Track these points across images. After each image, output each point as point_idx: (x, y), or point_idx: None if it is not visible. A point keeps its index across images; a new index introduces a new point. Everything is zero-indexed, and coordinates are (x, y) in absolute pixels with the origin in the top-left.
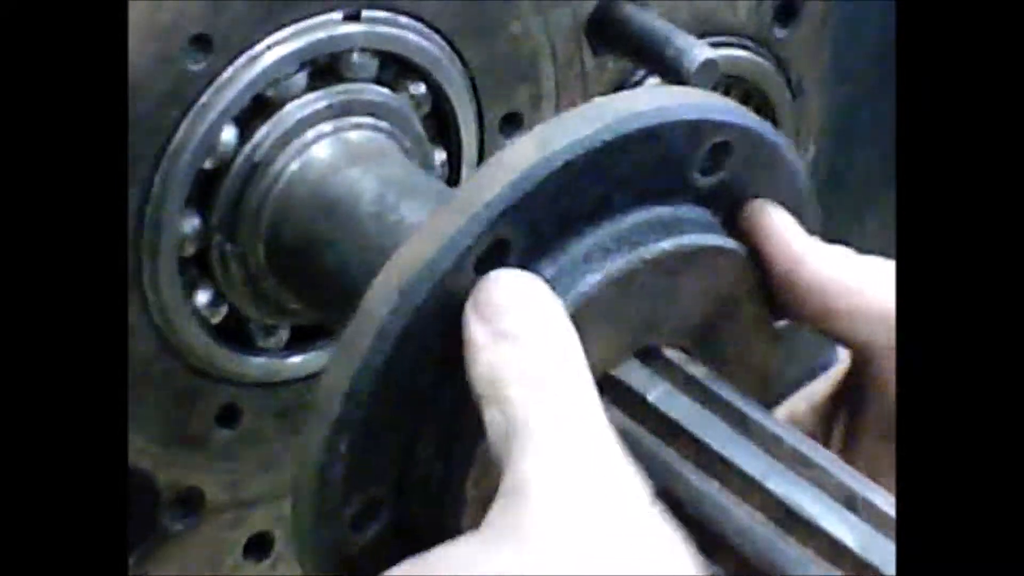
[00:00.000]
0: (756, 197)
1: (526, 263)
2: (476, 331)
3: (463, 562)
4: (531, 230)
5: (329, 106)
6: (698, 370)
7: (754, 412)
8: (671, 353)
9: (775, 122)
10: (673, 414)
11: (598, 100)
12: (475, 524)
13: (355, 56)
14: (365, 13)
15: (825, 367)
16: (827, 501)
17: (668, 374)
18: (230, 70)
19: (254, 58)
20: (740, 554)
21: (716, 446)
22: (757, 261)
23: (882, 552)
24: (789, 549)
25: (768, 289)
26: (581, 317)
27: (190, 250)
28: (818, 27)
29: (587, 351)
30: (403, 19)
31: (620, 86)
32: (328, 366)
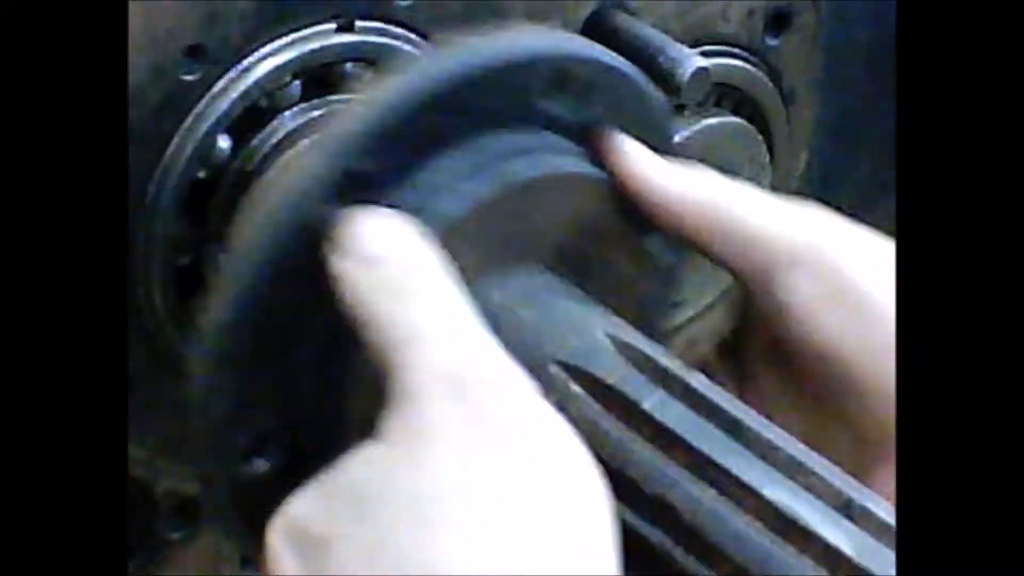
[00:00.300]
0: (610, 127)
1: (387, 193)
2: (341, 263)
3: (361, 475)
4: (389, 162)
5: (323, 116)
6: (694, 378)
7: (750, 420)
8: (667, 361)
9: (767, 130)
10: (669, 422)
11: (455, 40)
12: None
13: (348, 66)
14: (359, 24)
15: None
16: (823, 508)
17: (663, 382)
18: (224, 80)
19: (248, 68)
20: (737, 562)
21: (712, 454)
22: (615, 187)
23: (878, 558)
24: (786, 556)
25: (628, 213)
26: (444, 241)
27: (184, 259)
28: (810, 36)
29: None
30: (396, 30)
31: None
32: (208, 304)
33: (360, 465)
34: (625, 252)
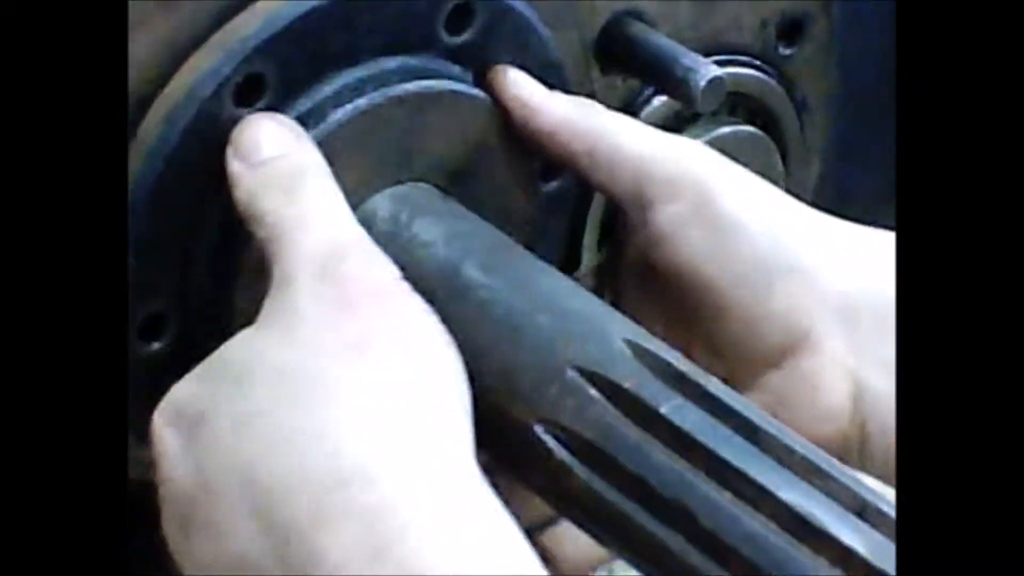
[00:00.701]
0: (503, 62)
1: (281, 98)
2: (234, 165)
3: (237, 355)
4: (284, 68)
5: None
6: (711, 383)
7: (766, 424)
8: (684, 366)
9: (781, 139)
10: (686, 426)
11: None
12: None
13: None
14: None
15: None
16: (838, 510)
17: (681, 387)
18: None
19: None
20: (753, 563)
21: (729, 457)
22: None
23: (893, 559)
24: (801, 557)
25: (514, 137)
26: (331, 147)
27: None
28: (824, 45)
29: (341, 180)
30: None
31: (630, 104)
32: None
33: (236, 346)
34: (511, 175)
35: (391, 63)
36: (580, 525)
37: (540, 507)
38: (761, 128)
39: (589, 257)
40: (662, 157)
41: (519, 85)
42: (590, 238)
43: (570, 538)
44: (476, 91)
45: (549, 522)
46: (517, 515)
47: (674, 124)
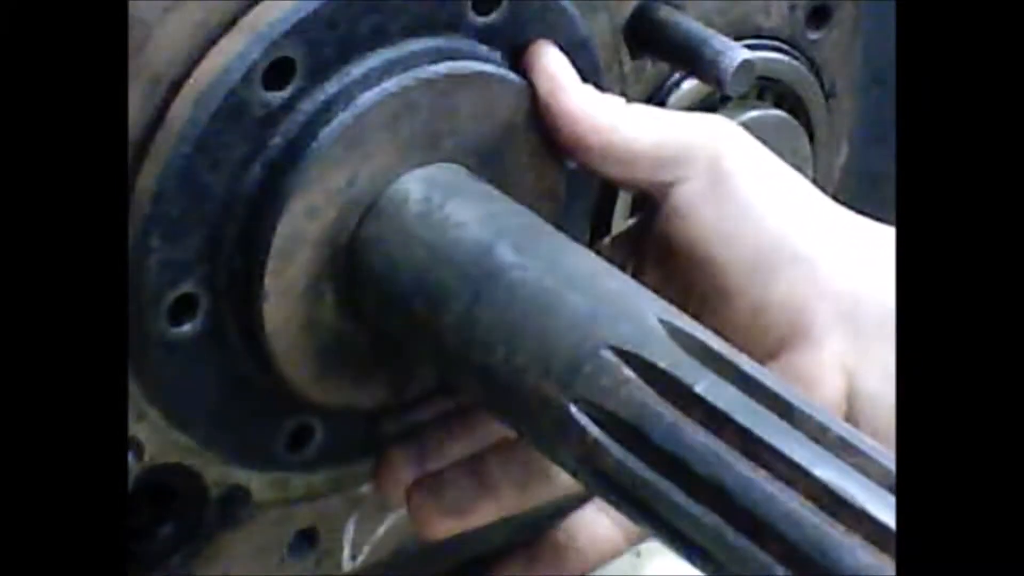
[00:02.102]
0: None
1: (310, 81)
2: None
3: None
4: (313, 51)
5: None
6: (745, 362)
7: (800, 402)
8: (718, 345)
9: (809, 123)
10: (721, 404)
11: None
12: (275, 315)
13: None
14: None
15: None
16: (872, 487)
17: (715, 365)
18: None
19: None
20: (788, 540)
21: (763, 435)
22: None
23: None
24: (836, 534)
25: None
26: (361, 129)
27: None
28: (850, 30)
29: (371, 161)
30: None
31: (659, 88)
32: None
33: None
34: (540, 155)
35: (419, 45)
36: (614, 504)
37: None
38: (789, 112)
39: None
40: (677, 137)
41: (554, 62)
42: (620, 216)
43: (586, 528)
44: (505, 72)
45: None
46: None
47: (703, 108)
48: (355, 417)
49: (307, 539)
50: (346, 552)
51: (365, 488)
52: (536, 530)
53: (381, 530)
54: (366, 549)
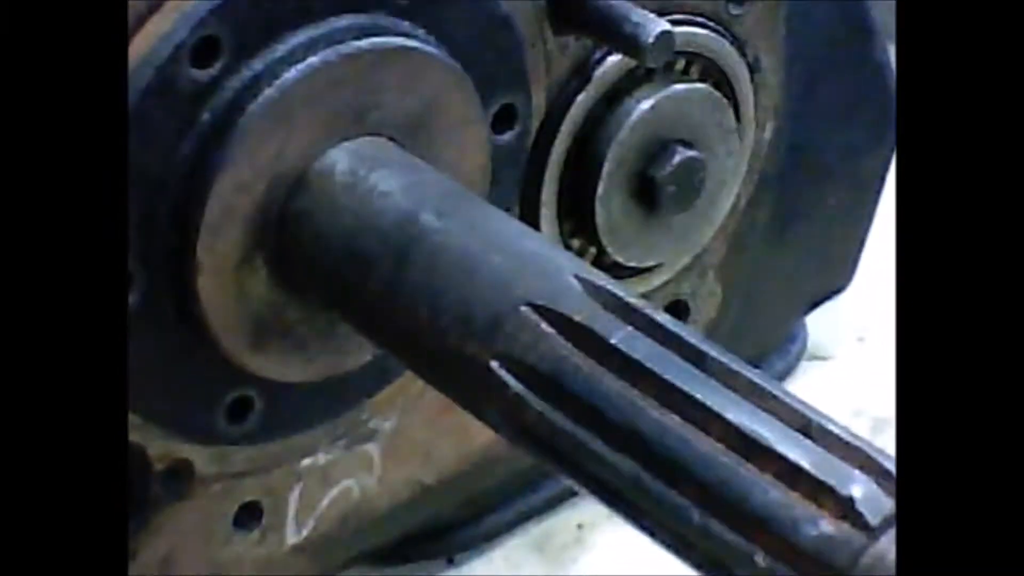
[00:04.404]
0: (453, 19)
1: (236, 59)
2: None
3: None
4: (238, 30)
5: None
6: (658, 314)
7: (712, 350)
8: (632, 299)
9: (734, 98)
10: (636, 355)
11: None
12: (209, 289)
13: None
14: None
15: (792, 340)
16: (783, 429)
17: (630, 318)
18: None
19: None
20: (703, 482)
21: (677, 382)
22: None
23: (837, 472)
24: (749, 475)
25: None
26: (287, 104)
27: None
28: (772, 4)
29: (297, 134)
30: None
31: (583, 64)
32: None
33: None
34: (463, 128)
35: (343, 21)
36: (537, 458)
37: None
38: (715, 86)
39: (549, 207)
40: None
41: None
42: (549, 189)
43: None
44: (427, 47)
45: None
46: None
47: (628, 83)
48: (295, 389)
49: (251, 513)
50: (290, 524)
51: (307, 461)
52: (483, 505)
53: (324, 502)
54: (310, 521)
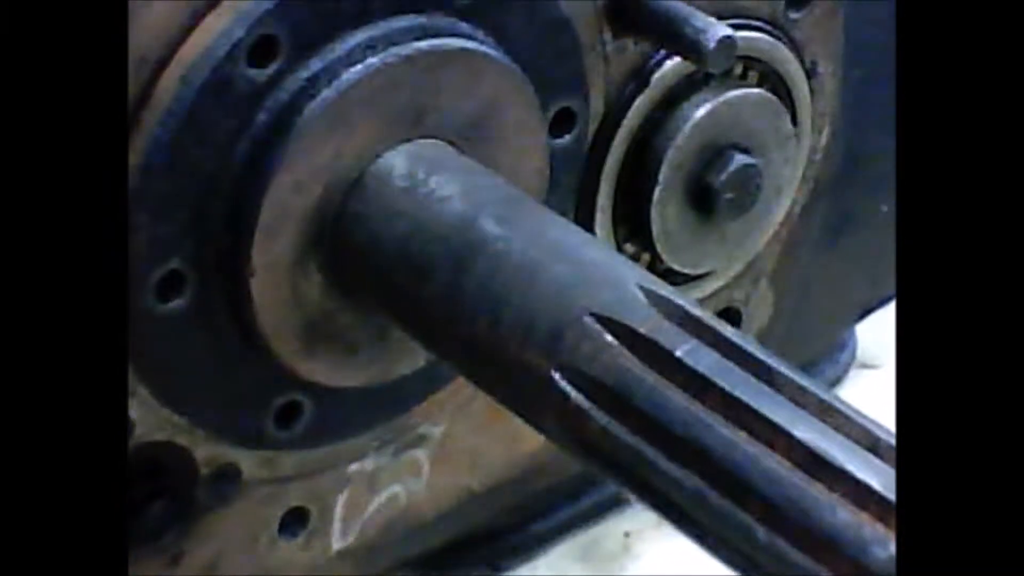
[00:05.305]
0: (513, 20)
1: (294, 59)
2: None
3: None
4: (297, 29)
5: None
6: (724, 327)
7: (780, 365)
8: (698, 311)
9: (792, 104)
10: (701, 368)
11: None
12: (262, 291)
13: None
14: None
15: (842, 348)
16: (851, 447)
17: (695, 331)
18: None
19: None
20: (768, 500)
21: (743, 397)
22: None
23: None
24: (817, 494)
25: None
26: (345, 105)
27: None
28: (831, 9)
29: (354, 135)
30: None
31: (641, 67)
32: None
33: None
34: (522, 132)
35: (402, 22)
36: (597, 470)
37: None
38: (771, 91)
39: (604, 212)
40: None
41: None
42: (605, 193)
43: None
44: (487, 48)
45: None
46: None
47: (686, 87)
48: (344, 395)
49: (297, 517)
50: (336, 530)
51: (355, 466)
52: (529, 513)
53: (371, 508)
54: (356, 527)
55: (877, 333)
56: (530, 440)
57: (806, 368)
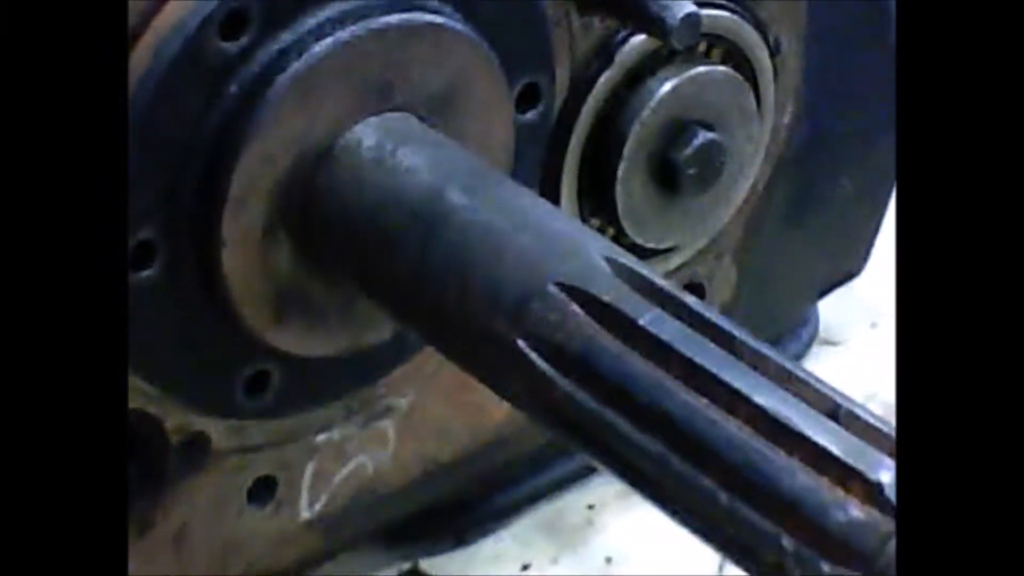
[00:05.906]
0: None
1: (264, 32)
2: None
3: None
4: (268, 3)
5: None
6: (687, 297)
7: (741, 334)
8: (661, 281)
9: (755, 81)
10: (664, 336)
11: None
12: (233, 261)
13: None
14: None
15: (804, 324)
16: (811, 413)
17: (658, 300)
18: None
19: None
20: (731, 465)
21: (705, 364)
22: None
23: (866, 458)
24: (777, 458)
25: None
26: (314, 78)
27: None
28: None
29: (324, 108)
30: None
31: (606, 44)
32: None
33: None
34: (489, 106)
35: None
36: (561, 437)
37: None
38: (735, 69)
39: (569, 186)
40: None
41: None
42: (570, 168)
43: None
44: (455, 23)
45: None
46: None
47: (650, 64)
48: (313, 364)
49: (266, 487)
50: (304, 499)
51: (323, 436)
52: (494, 485)
53: (338, 478)
54: (324, 497)
55: (839, 310)
56: (495, 412)
57: (769, 344)
